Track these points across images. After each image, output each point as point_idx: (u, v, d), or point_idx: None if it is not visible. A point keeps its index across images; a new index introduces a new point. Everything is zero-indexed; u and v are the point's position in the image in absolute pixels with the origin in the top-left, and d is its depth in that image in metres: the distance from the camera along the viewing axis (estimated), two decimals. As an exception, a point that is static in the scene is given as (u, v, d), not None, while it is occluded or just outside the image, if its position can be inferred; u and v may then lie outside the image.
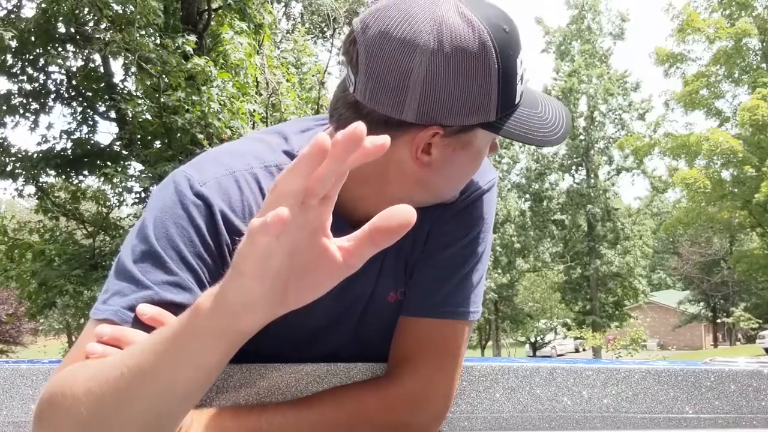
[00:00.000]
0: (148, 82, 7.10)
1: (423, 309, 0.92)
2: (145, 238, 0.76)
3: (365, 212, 0.84)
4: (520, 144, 32.29)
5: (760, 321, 28.62)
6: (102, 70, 8.60)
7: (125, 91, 8.31)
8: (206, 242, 0.77)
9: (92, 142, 8.52)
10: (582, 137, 33.32)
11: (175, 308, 0.72)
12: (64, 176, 8.46)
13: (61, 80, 8.52)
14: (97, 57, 8.36)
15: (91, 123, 8.57)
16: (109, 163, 8.25)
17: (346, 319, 0.99)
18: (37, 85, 8.23)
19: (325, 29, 13.90)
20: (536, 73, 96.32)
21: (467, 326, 0.93)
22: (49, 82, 8.37)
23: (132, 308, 0.72)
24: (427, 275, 0.93)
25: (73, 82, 8.49)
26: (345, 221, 0.85)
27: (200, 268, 0.77)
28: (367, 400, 0.86)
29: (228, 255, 0.78)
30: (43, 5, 7.26)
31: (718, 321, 35.77)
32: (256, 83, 7.99)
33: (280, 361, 0.93)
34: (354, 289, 0.95)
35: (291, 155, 0.88)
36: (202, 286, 0.76)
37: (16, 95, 8.14)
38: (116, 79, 8.71)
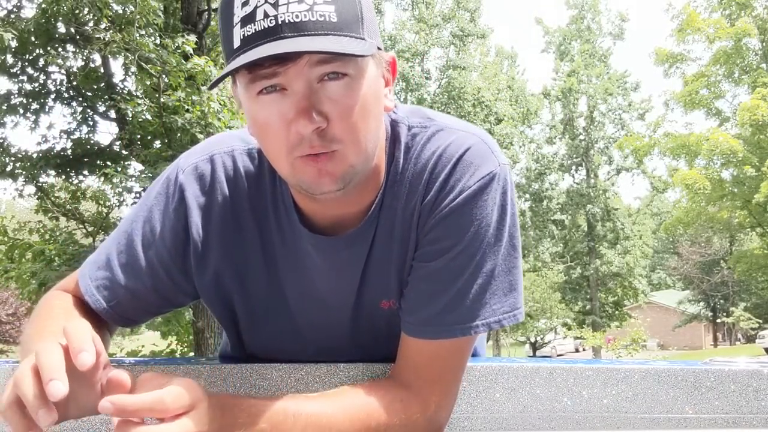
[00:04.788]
0: (148, 82, 7.09)
1: (415, 328, 0.87)
2: (130, 216, 0.95)
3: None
4: (520, 144, 32.45)
5: (760, 321, 28.63)
6: (102, 70, 8.59)
7: (125, 91, 8.30)
8: (167, 232, 0.91)
9: (92, 142, 8.51)
10: (582, 137, 33.33)
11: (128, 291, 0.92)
12: (64, 176, 8.44)
13: (61, 80, 8.51)
14: (97, 57, 8.34)
15: (91, 123, 8.55)
16: (109, 163, 8.24)
17: (334, 325, 0.98)
18: (37, 85, 8.22)
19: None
20: (536, 73, 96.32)
21: (467, 341, 0.88)
22: (49, 82, 8.35)
23: (93, 278, 0.93)
24: (417, 289, 0.88)
25: (73, 82, 8.47)
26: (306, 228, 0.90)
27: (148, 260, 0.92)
28: (370, 406, 0.83)
29: (189, 233, 0.92)
30: (43, 5, 7.26)
31: (718, 321, 35.76)
32: (256, 83, 7.96)
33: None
34: (327, 302, 0.95)
35: None
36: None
37: (16, 95, 8.13)
38: (116, 79, 8.69)
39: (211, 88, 0.77)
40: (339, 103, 0.75)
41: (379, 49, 0.80)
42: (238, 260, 0.93)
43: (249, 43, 0.72)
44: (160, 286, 0.93)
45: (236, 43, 0.74)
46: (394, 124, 0.91)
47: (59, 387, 0.61)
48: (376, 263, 0.91)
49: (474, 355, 1.18)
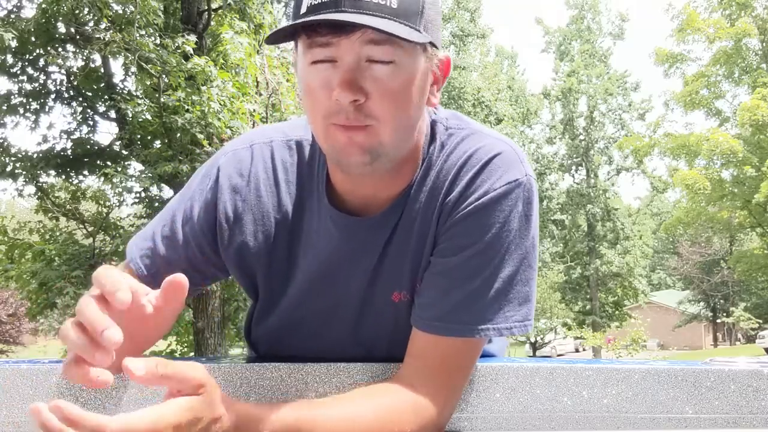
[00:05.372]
0: (148, 82, 7.10)
1: (426, 323, 0.88)
2: (179, 194, 1.02)
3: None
4: (520, 144, 32.40)
5: (760, 321, 28.62)
6: (102, 70, 8.59)
7: (125, 91, 8.30)
8: (201, 210, 0.98)
9: (92, 142, 8.51)
10: (582, 137, 33.33)
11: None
12: (64, 176, 8.44)
13: (61, 80, 8.51)
14: (97, 57, 8.34)
15: (91, 123, 8.55)
16: (109, 163, 8.25)
17: (338, 317, 0.99)
18: (37, 85, 8.22)
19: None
20: (536, 73, 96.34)
21: (477, 344, 0.88)
22: (49, 82, 8.35)
23: (138, 248, 0.99)
24: (433, 284, 0.89)
25: (73, 82, 8.47)
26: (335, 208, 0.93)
27: (186, 232, 0.99)
28: (382, 411, 0.84)
29: (217, 210, 0.97)
30: (43, 5, 7.25)
31: (718, 321, 35.76)
32: (256, 83, 7.97)
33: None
34: (339, 286, 0.96)
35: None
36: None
37: (16, 95, 8.13)
38: (116, 79, 8.70)
39: (268, 42, 0.84)
40: (381, 83, 0.79)
41: (434, 46, 0.84)
42: (264, 240, 0.98)
43: (312, 11, 0.78)
44: (193, 259, 0.99)
45: (303, 10, 0.80)
46: (433, 123, 0.95)
47: (114, 334, 0.64)
48: (393, 252, 0.93)
49: (490, 356, 1.18)
